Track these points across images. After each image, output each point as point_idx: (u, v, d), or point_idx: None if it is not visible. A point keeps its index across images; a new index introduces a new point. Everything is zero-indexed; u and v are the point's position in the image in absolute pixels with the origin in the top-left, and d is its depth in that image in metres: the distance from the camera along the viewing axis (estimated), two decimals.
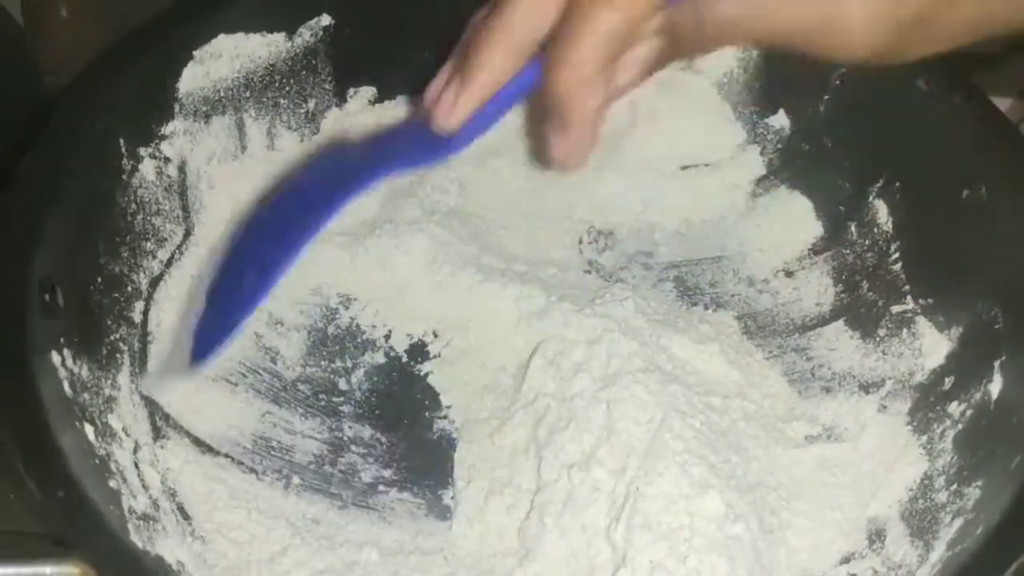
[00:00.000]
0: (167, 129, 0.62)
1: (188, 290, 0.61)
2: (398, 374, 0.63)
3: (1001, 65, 0.77)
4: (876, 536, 0.55)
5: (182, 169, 0.63)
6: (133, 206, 0.60)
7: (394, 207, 0.67)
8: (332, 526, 0.55)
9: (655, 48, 0.43)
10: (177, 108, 0.62)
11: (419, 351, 0.64)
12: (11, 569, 0.43)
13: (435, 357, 0.63)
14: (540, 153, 0.44)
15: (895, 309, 0.63)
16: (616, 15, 0.40)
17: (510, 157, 0.72)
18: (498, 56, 0.42)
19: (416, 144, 0.47)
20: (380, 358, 0.63)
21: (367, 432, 0.60)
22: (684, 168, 0.72)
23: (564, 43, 0.41)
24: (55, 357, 0.50)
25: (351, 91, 0.71)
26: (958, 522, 0.51)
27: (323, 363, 0.63)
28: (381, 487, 0.58)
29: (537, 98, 0.44)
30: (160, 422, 0.57)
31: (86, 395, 0.51)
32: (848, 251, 0.67)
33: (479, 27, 0.44)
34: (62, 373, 0.50)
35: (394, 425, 0.61)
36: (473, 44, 0.43)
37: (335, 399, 0.61)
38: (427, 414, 0.61)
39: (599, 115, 0.42)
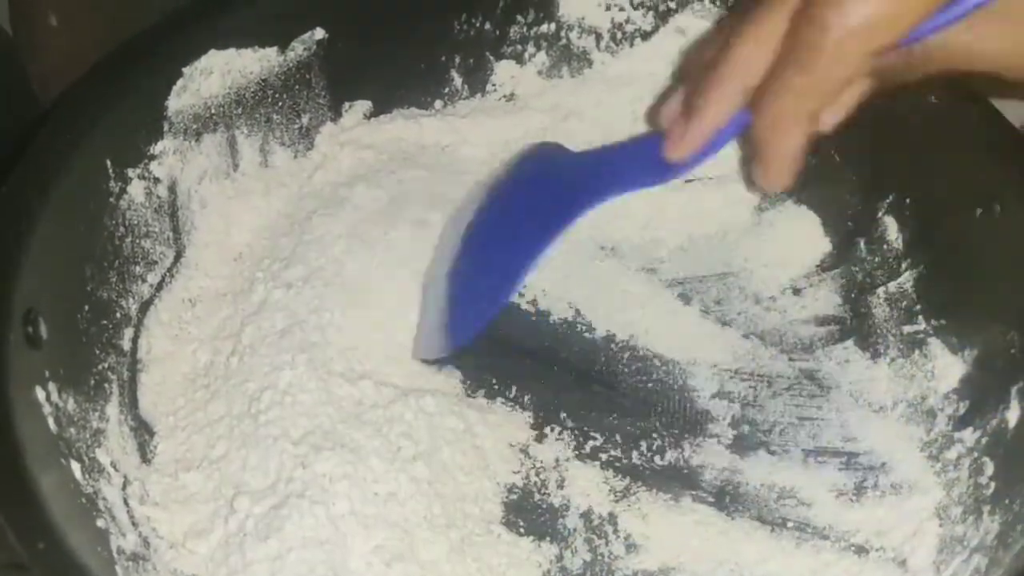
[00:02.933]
0: (156, 149, 0.60)
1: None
2: None
3: None
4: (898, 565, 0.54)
5: (172, 189, 0.62)
6: (121, 229, 0.58)
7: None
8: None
9: (861, 89, 0.47)
10: (167, 127, 0.60)
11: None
12: None
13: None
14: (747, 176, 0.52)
15: (906, 329, 0.62)
16: (811, 82, 0.44)
17: None
18: (721, 99, 0.48)
19: (643, 164, 0.53)
20: None
21: None
22: (688, 182, 0.70)
23: (767, 94, 0.46)
24: (39, 392, 0.48)
25: (346, 105, 0.70)
26: (977, 557, 0.49)
27: None
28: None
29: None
30: (151, 454, 0.55)
31: (72, 430, 0.50)
32: (857, 268, 0.66)
33: (707, 64, 0.48)
34: (47, 409, 0.48)
35: None
36: (701, 84, 0.48)
37: None
38: None
39: (795, 154, 0.47)
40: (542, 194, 0.59)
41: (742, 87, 0.47)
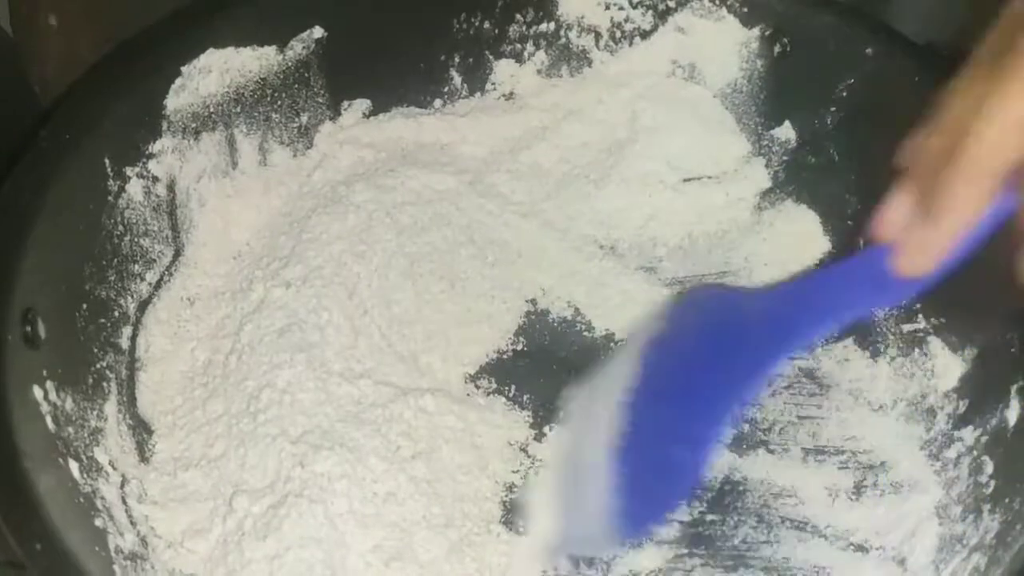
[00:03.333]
0: (155, 147, 0.60)
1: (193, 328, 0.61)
2: None
3: None
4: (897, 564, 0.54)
5: (171, 188, 0.62)
6: (120, 228, 0.58)
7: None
8: None
9: None
10: (165, 126, 0.60)
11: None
12: None
13: None
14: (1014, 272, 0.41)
15: (906, 328, 0.62)
16: None
17: (508, 171, 0.70)
18: (972, 191, 0.39)
19: (864, 286, 0.45)
20: None
21: None
22: (687, 181, 0.70)
23: None
24: (37, 392, 0.48)
25: (345, 104, 0.70)
26: (976, 556, 0.49)
27: None
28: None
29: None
30: (150, 453, 0.55)
31: (71, 429, 0.50)
32: None
33: (931, 158, 0.40)
34: (44, 408, 0.48)
35: None
36: (936, 181, 0.40)
37: None
38: None
39: None
40: (725, 344, 0.49)
41: (994, 173, 0.38)
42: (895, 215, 0.43)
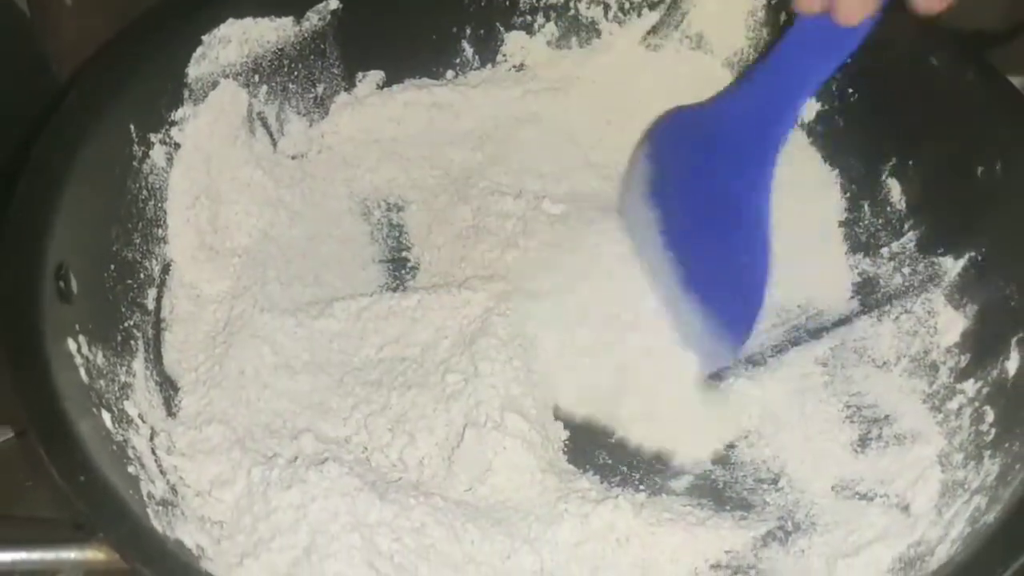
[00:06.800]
0: (177, 115, 0.62)
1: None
2: None
3: (1011, 43, 0.76)
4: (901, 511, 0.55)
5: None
6: (144, 192, 0.60)
7: None
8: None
9: None
10: (187, 94, 0.62)
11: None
12: (35, 554, 0.43)
13: None
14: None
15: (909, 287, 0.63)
16: None
17: None
18: None
19: (817, 51, 0.52)
20: None
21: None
22: None
23: None
24: (71, 344, 0.49)
25: (360, 75, 0.71)
26: (977, 498, 0.51)
27: None
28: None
29: None
30: (176, 408, 0.57)
31: (102, 382, 0.51)
32: (861, 230, 0.67)
33: None
34: (78, 360, 0.50)
35: None
36: None
37: None
38: None
39: None
40: (715, 156, 0.55)
41: None
42: None
